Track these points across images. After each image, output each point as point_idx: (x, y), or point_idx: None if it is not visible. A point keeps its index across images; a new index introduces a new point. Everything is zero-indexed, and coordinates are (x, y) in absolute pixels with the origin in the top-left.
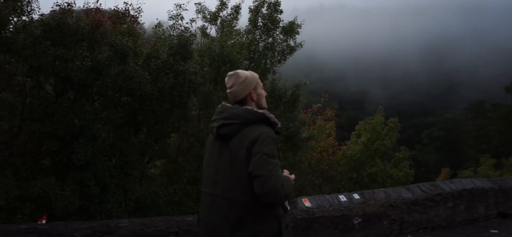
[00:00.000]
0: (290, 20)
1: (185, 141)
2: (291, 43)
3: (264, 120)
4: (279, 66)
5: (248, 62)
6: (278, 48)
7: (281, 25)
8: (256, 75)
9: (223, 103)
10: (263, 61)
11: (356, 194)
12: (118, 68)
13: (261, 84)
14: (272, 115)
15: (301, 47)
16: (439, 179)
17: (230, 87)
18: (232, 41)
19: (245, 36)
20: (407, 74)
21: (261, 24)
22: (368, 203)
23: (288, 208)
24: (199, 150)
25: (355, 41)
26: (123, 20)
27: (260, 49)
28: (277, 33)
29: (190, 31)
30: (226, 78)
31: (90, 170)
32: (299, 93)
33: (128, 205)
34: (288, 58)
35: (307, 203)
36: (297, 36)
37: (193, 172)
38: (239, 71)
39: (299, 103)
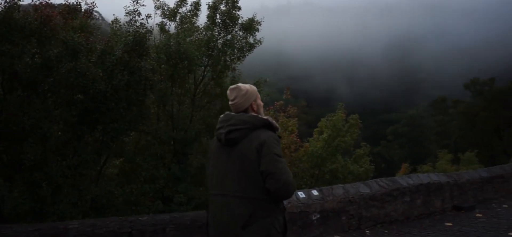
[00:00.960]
0: (249, 17)
1: (143, 140)
2: (251, 40)
3: (267, 125)
4: (239, 63)
5: (207, 59)
6: (237, 45)
7: (240, 22)
8: (255, 88)
9: (227, 112)
10: (222, 58)
11: (315, 191)
12: (69, 65)
13: (259, 95)
14: (274, 121)
15: (260, 43)
16: (399, 174)
17: (233, 99)
18: (190, 38)
19: (203, 32)
20: (372, 72)
21: (219, 20)
22: (327, 199)
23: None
24: (157, 148)
25: (322, 39)
26: (75, 15)
27: (219, 46)
28: (236, 30)
29: (147, 28)
30: (228, 91)
31: (42, 170)
32: (259, 91)
33: (83, 206)
34: (247, 55)
35: None
36: (256, 33)
37: (150, 170)
38: (240, 85)
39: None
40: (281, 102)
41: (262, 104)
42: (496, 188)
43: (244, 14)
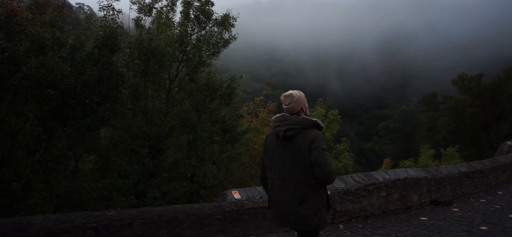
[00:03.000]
0: (224, 13)
1: (116, 135)
2: (226, 36)
3: (316, 125)
4: (216, 58)
5: (181, 55)
6: (212, 41)
7: (214, 18)
8: (303, 94)
9: (282, 113)
10: (197, 54)
11: None
12: (37, 60)
13: (306, 100)
14: (320, 121)
15: (235, 39)
16: (382, 169)
17: (288, 104)
18: (165, 34)
19: (178, 28)
20: (364, 67)
21: (193, 16)
22: None
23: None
24: (130, 143)
25: (314, 35)
26: (44, 10)
27: (193, 42)
28: (210, 26)
29: (118, 23)
30: (282, 98)
31: (11, 165)
32: (235, 86)
33: (54, 201)
34: (222, 50)
35: (236, 195)
36: (232, 28)
37: (123, 166)
38: (292, 92)
39: (236, 96)
40: (261, 97)
41: (307, 106)
42: (475, 183)
43: (238, 9)
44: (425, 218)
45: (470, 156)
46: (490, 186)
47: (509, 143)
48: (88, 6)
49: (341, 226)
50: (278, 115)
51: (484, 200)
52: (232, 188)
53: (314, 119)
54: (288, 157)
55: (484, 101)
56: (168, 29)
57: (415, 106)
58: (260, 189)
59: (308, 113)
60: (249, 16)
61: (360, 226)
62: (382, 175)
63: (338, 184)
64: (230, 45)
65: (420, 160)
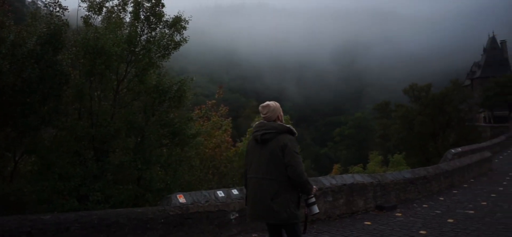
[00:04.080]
0: (175, 15)
1: (59, 136)
2: (177, 38)
3: (289, 131)
4: (166, 60)
5: (130, 56)
6: (163, 43)
7: (165, 19)
8: (278, 104)
9: (261, 121)
10: (146, 55)
11: (235, 190)
12: None
13: (281, 109)
14: (293, 128)
15: (186, 42)
16: (331, 174)
17: (265, 113)
18: (113, 34)
19: (128, 29)
20: (322, 74)
21: (143, 17)
22: None
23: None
24: (73, 145)
25: (274, 41)
26: None
27: (143, 43)
28: (161, 27)
29: (63, 20)
30: (260, 107)
31: None
32: (185, 89)
33: None
34: (173, 52)
35: (181, 199)
36: (184, 31)
37: (65, 168)
38: (269, 103)
39: (186, 99)
40: (213, 101)
41: (282, 115)
42: (419, 189)
43: (198, 12)
44: (369, 223)
45: (418, 163)
46: (432, 192)
47: (453, 151)
48: (42, 1)
49: None
50: (257, 122)
51: (426, 206)
52: (179, 192)
53: (288, 125)
54: (264, 158)
55: (433, 110)
56: (117, 29)
57: (369, 114)
58: (206, 193)
59: (283, 121)
60: (210, 19)
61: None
62: (329, 180)
63: None
64: (189, 47)
65: (368, 166)
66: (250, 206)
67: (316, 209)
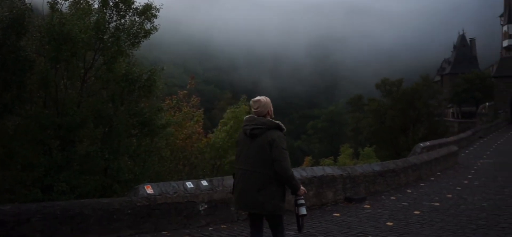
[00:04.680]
0: (145, 3)
1: (23, 124)
2: (148, 26)
3: (278, 127)
4: (136, 49)
5: (98, 43)
6: (133, 31)
7: (134, 6)
8: (269, 100)
9: (251, 115)
10: (115, 42)
11: (205, 181)
12: None
13: (271, 105)
14: (282, 124)
15: (156, 30)
16: (303, 167)
17: (256, 108)
18: (80, 20)
19: (96, 15)
20: (296, 67)
21: (112, 3)
22: (216, 190)
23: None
24: (38, 134)
25: (250, 33)
26: None
27: (112, 30)
28: (130, 14)
29: (26, 4)
30: (252, 102)
31: None
32: (155, 78)
33: None
34: (143, 41)
35: (149, 190)
36: (155, 19)
37: (28, 157)
38: (260, 98)
39: (156, 89)
40: (185, 91)
41: (272, 110)
42: (388, 182)
43: (173, 2)
44: (338, 215)
45: (389, 156)
46: (401, 185)
47: (421, 145)
48: None
49: None
50: (247, 116)
51: (394, 198)
52: (147, 182)
53: (277, 121)
54: (253, 151)
55: (403, 105)
56: (85, 15)
57: (342, 107)
58: (175, 184)
59: (273, 116)
60: (185, 9)
61: None
62: (299, 172)
63: None
64: (164, 37)
65: (339, 159)
66: (236, 196)
67: (304, 210)
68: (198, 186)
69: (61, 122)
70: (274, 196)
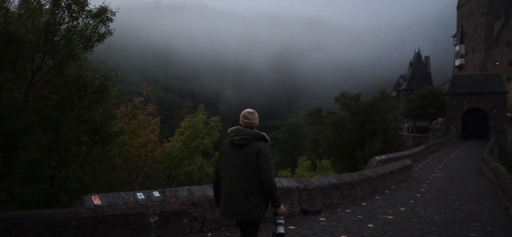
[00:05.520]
0: (100, 5)
1: None
2: (102, 30)
3: (263, 138)
4: (89, 52)
5: (48, 45)
6: (86, 34)
7: (88, 9)
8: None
9: (237, 126)
10: (67, 45)
11: (156, 192)
12: None
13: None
14: (267, 136)
15: (111, 34)
16: None
17: (251, 119)
18: (30, 21)
19: (47, 15)
20: (258, 78)
21: (64, 4)
22: (169, 201)
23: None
24: None
25: (212, 42)
26: None
27: (63, 32)
28: (83, 17)
29: None
30: (247, 113)
31: None
32: (108, 84)
33: None
34: (96, 45)
35: (96, 200)
36: (110, 23)
37: None
38: (254, 111)
39: (109, 95)
40: (141, 99)
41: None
42: (343, 194)
43: (137, 8)
44: (293, 227)
45: (346, 169)
46: (356, 198)
47: (377, 158)
48: None
49: (210, 234)
50: (233, 127)
51: (349, 210)
52: (95, 193)
53: (262, 133)
54: (239, 161)
55: (361, 118)
56: (34, 15)
57: (302, 119)
58: (125, 195)
59: (258, 128)
60: (148, 16)
61: (229, 234)
62: None
63: (209, 191)
64: (125, 43)
65: (297, 171)
66: (223, 203)
67: (282, 229)
68: (149, 197)
69: (3, 126)
70: (260, 203)
